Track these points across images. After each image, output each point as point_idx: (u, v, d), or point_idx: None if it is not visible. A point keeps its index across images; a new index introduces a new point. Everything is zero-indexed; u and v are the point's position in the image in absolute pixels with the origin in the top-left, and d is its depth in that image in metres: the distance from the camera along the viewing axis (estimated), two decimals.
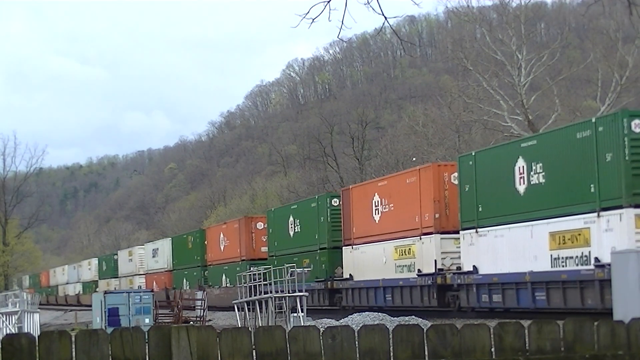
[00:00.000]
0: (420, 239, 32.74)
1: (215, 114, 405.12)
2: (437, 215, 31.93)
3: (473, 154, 30.55)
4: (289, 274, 32.51)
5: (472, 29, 59.00)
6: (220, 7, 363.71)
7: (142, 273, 73.38)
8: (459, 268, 30.82)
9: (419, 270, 32.60)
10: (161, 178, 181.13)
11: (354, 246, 38.36)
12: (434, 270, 31.63)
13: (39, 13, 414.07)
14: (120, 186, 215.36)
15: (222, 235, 55.68)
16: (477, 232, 29.28)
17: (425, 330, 5.85)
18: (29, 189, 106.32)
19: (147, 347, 5.43)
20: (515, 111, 51.88)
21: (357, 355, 5.69)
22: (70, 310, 71.04)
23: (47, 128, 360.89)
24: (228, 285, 52.67)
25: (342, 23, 9.45)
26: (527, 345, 6.00)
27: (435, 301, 31.83)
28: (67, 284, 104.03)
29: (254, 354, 5.57)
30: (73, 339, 5.38)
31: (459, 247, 30.77)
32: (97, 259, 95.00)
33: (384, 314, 27.77)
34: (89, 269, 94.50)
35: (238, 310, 35.73)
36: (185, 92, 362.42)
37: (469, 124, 60.68)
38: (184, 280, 62.22)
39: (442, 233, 31.90)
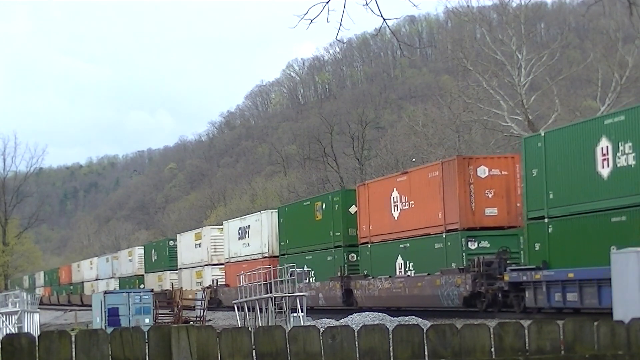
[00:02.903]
0: None
1: (215, 114, 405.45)
2: None
3: None
4: (288, 274, 32.53)
5: (472, 29, 59.00)
6: (224, 6, 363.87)
7: (218, 263, 55.92)
8: None
9: None
10: (161, 178, 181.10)
11: None
12: None
13: (43, 12, 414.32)
14: (120, 186, 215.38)
15: (395, 194, 34.62)
16: None
17: (425, 330, 5.85)
18: (29, 189, 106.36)
19: (147, 347, 5.43)
20: (515, 111, 51.88)
21: (357, 355, 5.69)
22: (70, 310, 70.60)
23: (50, 127, 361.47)
24: (411, 272, 33.71)
25: (341, 24, 9.46)
26: (527, 345, 6.00)
27: None
28: (96, 280, 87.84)
29: (254, 354, 5.57)
30: (73, 339, 5.37)
31: None
32: (142, 247, 77.34)
33: (384, 314, 27.76)
34: (129, 260, 77.31)
35: (238, 310, 35.75)
36: (189, 91, 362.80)
37: (469, 124, 60.68)
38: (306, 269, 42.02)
39: None
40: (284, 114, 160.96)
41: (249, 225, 50.40)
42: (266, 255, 47.31)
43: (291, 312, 30.78)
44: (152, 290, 42.15)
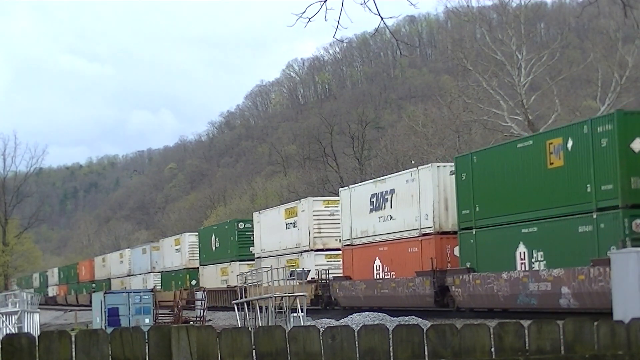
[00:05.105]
0: None
1: (216, 114, 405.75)
2: None
3: None
4: (288, 274, 32.54)
5: (472, 29, 59.02)
6: (224, 6, 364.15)
7: (324, 248, 42.13)
8: None
9: None
10: (161, 178, 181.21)
11: None
12: None
13: (45, 11, 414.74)
14: (120, 186, 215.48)
15: None
16: None
17: (425, 330, 5.85)
18: (29, 189, 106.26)
19: (147, 347, 5.43)
20: (515, 111, 51.89)
21: (357, 355, 5.69)
22: (70, 311, 70.25)
23: (52, 126, 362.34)
24: None
25: (339, 23, 9.46)
26: (527, 345, 5.99)
27: None
28: (129, 276, 75.49)
29: (254, 354, 5.56)
30: (73, 339, 5.37)
31: None
32: (195, 233, 63.12)
33: (384, 314, 27.75)
34: (176, 249, 63.70)
35: (238, 310, 35.75)
36: (191, 91, 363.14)
37: (468, 124, 60.70)
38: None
39: None
40: (284, 114, 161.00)
41: (393, 190, 34.44)
42: (429, 231, 32.01)
43: (291, 312, 30.78)
44: (152, 290, 42.16)
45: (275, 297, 31.82)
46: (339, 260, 39.50)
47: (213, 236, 56.21)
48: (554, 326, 6.08)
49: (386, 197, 34.77)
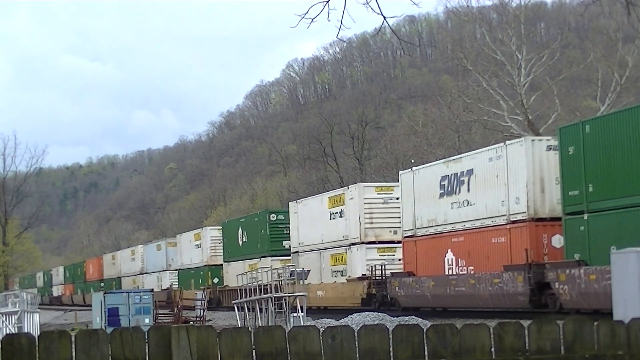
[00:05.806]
0: None
1: (215, 114, 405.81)
2: None
3: None
4: (288, 274, 32.54)
5: (472, 29, 59.04)
6: (225, 6, 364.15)
7: (377, 240, 37.44)
8: None
9: None
10: (161, 178, 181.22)
11: None
12: None
13: (45, 10, 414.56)
14: (120, 186, 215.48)
15: None
16: None
17: (425, 330, 5.85)
18: (29, 189, 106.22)
19: (147, 347, 5.43)
20: (515, 111, 51.92)
21: (357, 355, 5.68)
22: (70, 310, 70.22)
23: (53, 126, 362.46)
24: None
25: (341, 23, 9.47)
26: (527, 345, 5.99)
27: None
28: (141, 274, 71.62)
29: (254, 354, 5.56)
30: (73, 339, 5.37)
31: None
32: (217, 227, 58.16)
33: (384, 314, 27.73)
34: (196, 245, 58.89)
35: (238, 310, 35.75)
36: (191, 90, 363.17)
37: (468, 124, 60.74)
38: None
39: None
40: (284, 114, 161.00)
41: (471, 170, 29.39)
42: (520, 217, 26.85)
43: (291, 312, 30.78)
44: (152, 290, 42.14)
45: (275, 297, 31.82)
46: (394, 254, 35.62)
47: (240, 230, 51.25)
48: (554, 326, 6.08)
49: (462, 179, 29.71)
